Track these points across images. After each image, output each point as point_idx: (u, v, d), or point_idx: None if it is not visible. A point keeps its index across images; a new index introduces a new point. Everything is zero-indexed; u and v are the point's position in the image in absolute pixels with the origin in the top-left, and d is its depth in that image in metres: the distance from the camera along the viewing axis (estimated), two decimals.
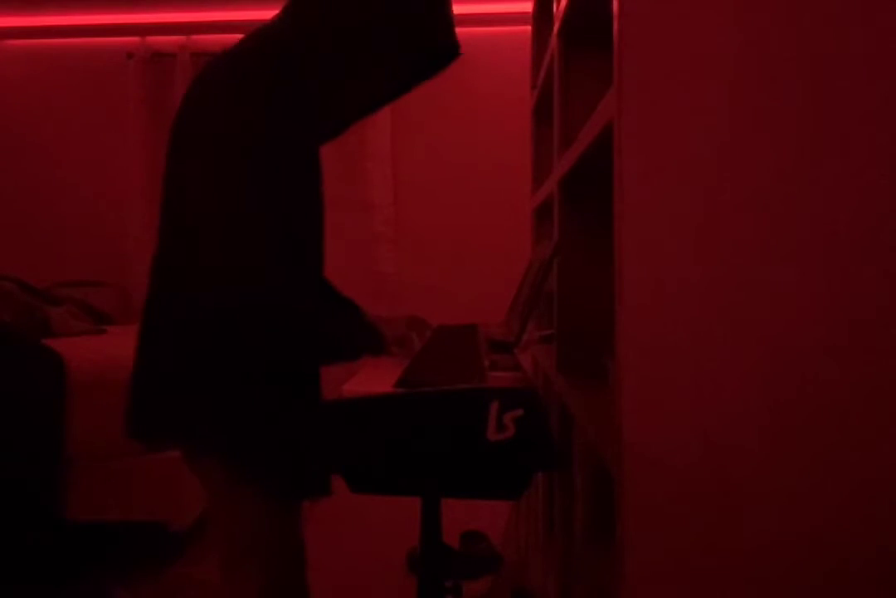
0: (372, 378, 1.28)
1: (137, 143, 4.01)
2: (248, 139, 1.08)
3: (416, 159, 4.02)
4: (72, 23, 4.06)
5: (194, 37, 3.99)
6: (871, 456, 0.79)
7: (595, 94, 1.33)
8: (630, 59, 0.80)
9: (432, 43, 1.22)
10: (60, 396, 2.25)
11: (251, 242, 1.08)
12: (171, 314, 1.18)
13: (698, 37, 0.79)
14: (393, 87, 1.31)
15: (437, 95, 3.96)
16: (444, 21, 1.22)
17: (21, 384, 2.22)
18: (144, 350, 1.22)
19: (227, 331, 1.13)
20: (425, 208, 4.02)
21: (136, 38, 4.07)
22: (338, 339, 1.24)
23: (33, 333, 2.66)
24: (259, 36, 1.20)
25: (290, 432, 1.21)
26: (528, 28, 2.34)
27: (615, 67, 0.82)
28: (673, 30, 0.79)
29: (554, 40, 1.52)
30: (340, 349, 1.24)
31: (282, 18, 1.22)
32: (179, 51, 4.00)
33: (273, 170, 1.10)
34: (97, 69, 4.12)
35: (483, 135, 3.94)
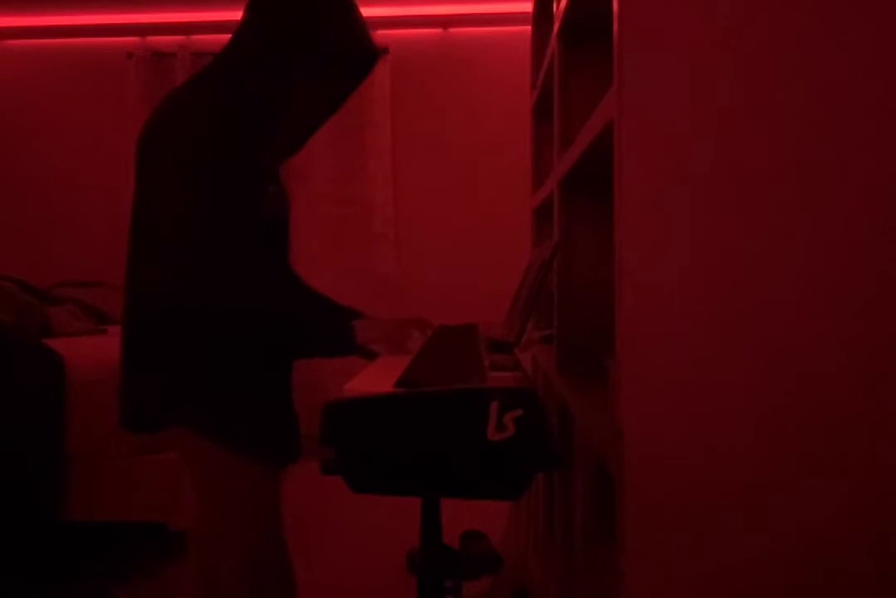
0: (372, 378, 1.28)
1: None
2: (204, 155, 1.23)
3: (416, 159, 4.02)
4: (72, 23, 4.06)
5: (194, 37, 3.99)
6: (871, 454, 0.79)
7: (595, 95, 1.33)
8: (630, 59, 0.80)
9: (354, 50, 1.37)
10: (60, 396, 2.25)
11: (208, 249, 1.21)
12: (147, 309, 1.30)
13: (698, 37, 0.79)
14: (330, 99, 1.45)
15: (437, 95, 3.97)
16: (361, 28, 1.36)
17: (21, 384, 2.22)
18: (129, 346, 1.33)
19: (195, 324, 1.26)
20: (425, 208, 4.02)
21: (136, 38, 4.07)
22: (298, 334, 1.33)
23: (33, 333, 2.66)
24: (208, 69, 1.36)
25: (262, 405, 1.33)
26: (528, 28, 2.34)
27: (615, 67, 0.82)
28: (673, 30, 0.79)
29: (554, 40, 1.52)
30: (302, 343, 1.35)
31: (223, 53, 1.37)
32: (179, 51, 4.00)
33: (224, 183, 1.24)
34: (97, 69, 4.12)
35: (483, 135, 3.94)
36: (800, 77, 0.79)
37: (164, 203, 1.25)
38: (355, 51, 1.37)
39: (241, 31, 1.35)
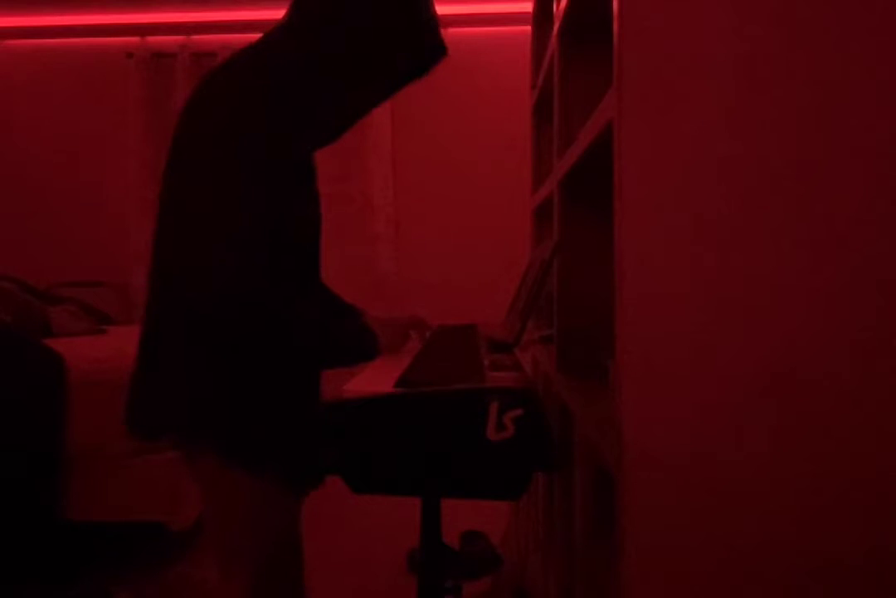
0: (372, 378, 1.28)
1: (137, 143, 4.01)
2: (244, 149, 1.12)
3: (416, 159, 4.02)
4: (72, 23, 4.06)
5: (194, 37, 3.99)
6: (869, 455, 0.79)
7: (595, 95, 1.33)
8: (630, 59, 0.80)
9: (420, 44, 1.26)
10: (60, 396, 2.25)
11: (244, 246, 1.11)
12: (171, 314, 1.20)
13: (698, 36, 0.79)
14: (383, 91, 1.35)
15: (437, 95, 3.96)
16: (431, 22, 1.26)
17: (21, 384, 2.22)
18: (146, 348, 1.24)
19: (223, 331, 1.16)
20: (425, 208, 4.02)
21: (136, 38, 4.07)
22: (332, 343, 1.25)
23: (33, 333, 2.66)
24: (254, 49, 1.24)
25: (287, 426, 1.23)
26: (528, 28, 2.34)
27: (615, 67, 0.82)
28: (673, 30, 0.79)
29: (554, 40, 1.52)
30: (334, 354, 1.26)
31: (275, 30, 1.26)
32: (179, 51, 4.00)
33: (267, 178, 1.14)
34: (97, 69, 4.13)
35: (483, 135, 3.95)
36: (801, 76, 0.79)
37: (198, 203, 1.14)
38: (420, 46, 1.26)
39: (289, 21, 1.24)
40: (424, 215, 4.02)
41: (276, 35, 1.26)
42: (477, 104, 3.96)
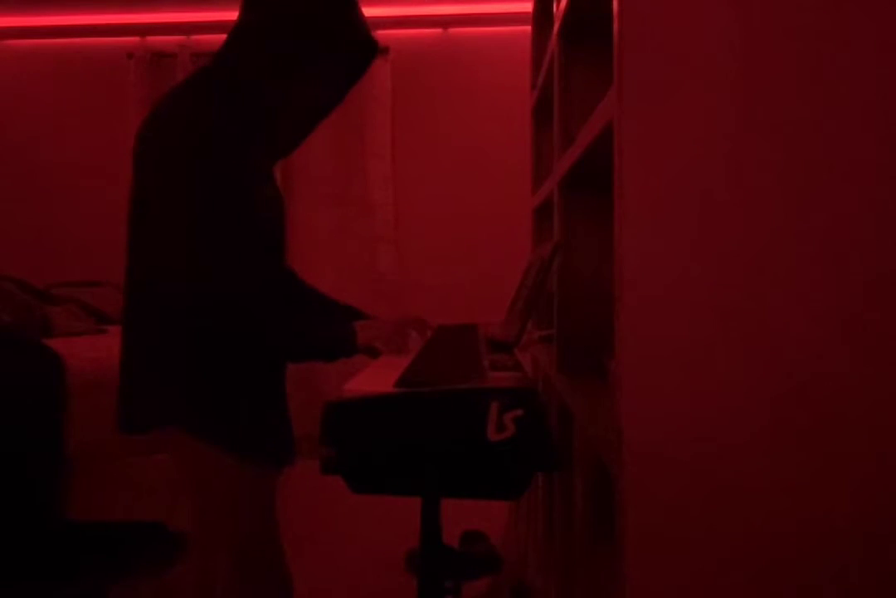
0: (372, 378, 1.28)
1: None
2: (201, 160, 1.22)
3: (416, 159, 4.02)
4: (72, 23, 4.06)
5: (194, 37, 3.99)
6: (869, 454, 0.79)
7: (595, 95, 1.33)
8: (630, 59, 0.80)
9: (354, 44, 1.35)
10: (60, 396, 2.25)
11: (206, 250, 1.21)
12: (143, 311, 1.30)
13: (699, 36, 0.79)
14: (329, 96, 1.43)
15: (437, 95, 3.96)
16: (360, 22, 1.35)
17: (21, 384, 2.22)
18: (126, 348, 1.33)
19: (197, 328, 1.26)
20: (425, 208, 4.02)
21: (136, 38, 4.07)
22: (302, 341, 1.32)
23: (33, 333, 2.66)
24: (202, 70, 1.34)
25: (258, 406, 1.33)
26: (528, 28, 2.34)
27: (615, 67, 0.82)
28: (673, 30, 0.79)
29: (554, 40, 1.52)
30: (302, 350, 1.34)
31: (220, 51, 1.34)
32: (179, 51, 4.00)
33: (226, 185, 1.23)
34: (97, 69, 4.12)
35: (483, 135, 3.94)
36: (801, 76, 0.79)
37: (160, 207, 1.24)
38: (357, 45, 1.35)
39: (239, 30, 1.32)
40: (424, 216, 4.02)
41: (228, 40, 1.33)
42: (477, 104, 3.95)
